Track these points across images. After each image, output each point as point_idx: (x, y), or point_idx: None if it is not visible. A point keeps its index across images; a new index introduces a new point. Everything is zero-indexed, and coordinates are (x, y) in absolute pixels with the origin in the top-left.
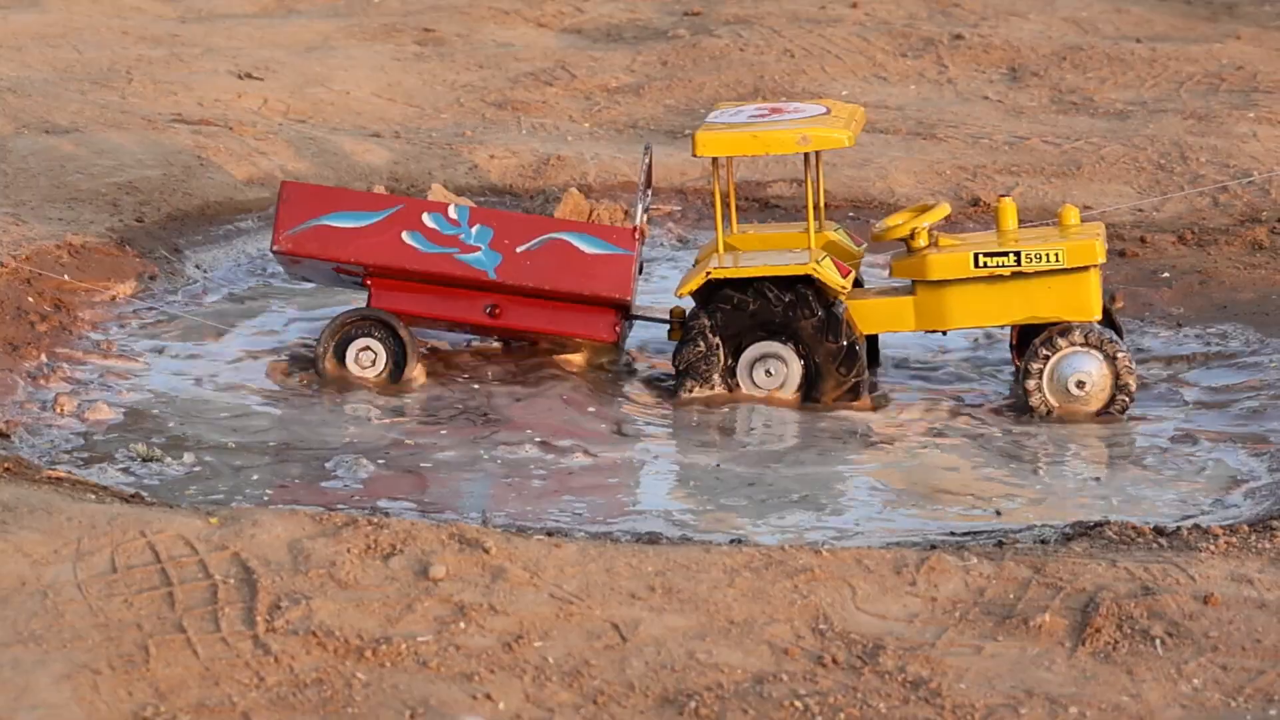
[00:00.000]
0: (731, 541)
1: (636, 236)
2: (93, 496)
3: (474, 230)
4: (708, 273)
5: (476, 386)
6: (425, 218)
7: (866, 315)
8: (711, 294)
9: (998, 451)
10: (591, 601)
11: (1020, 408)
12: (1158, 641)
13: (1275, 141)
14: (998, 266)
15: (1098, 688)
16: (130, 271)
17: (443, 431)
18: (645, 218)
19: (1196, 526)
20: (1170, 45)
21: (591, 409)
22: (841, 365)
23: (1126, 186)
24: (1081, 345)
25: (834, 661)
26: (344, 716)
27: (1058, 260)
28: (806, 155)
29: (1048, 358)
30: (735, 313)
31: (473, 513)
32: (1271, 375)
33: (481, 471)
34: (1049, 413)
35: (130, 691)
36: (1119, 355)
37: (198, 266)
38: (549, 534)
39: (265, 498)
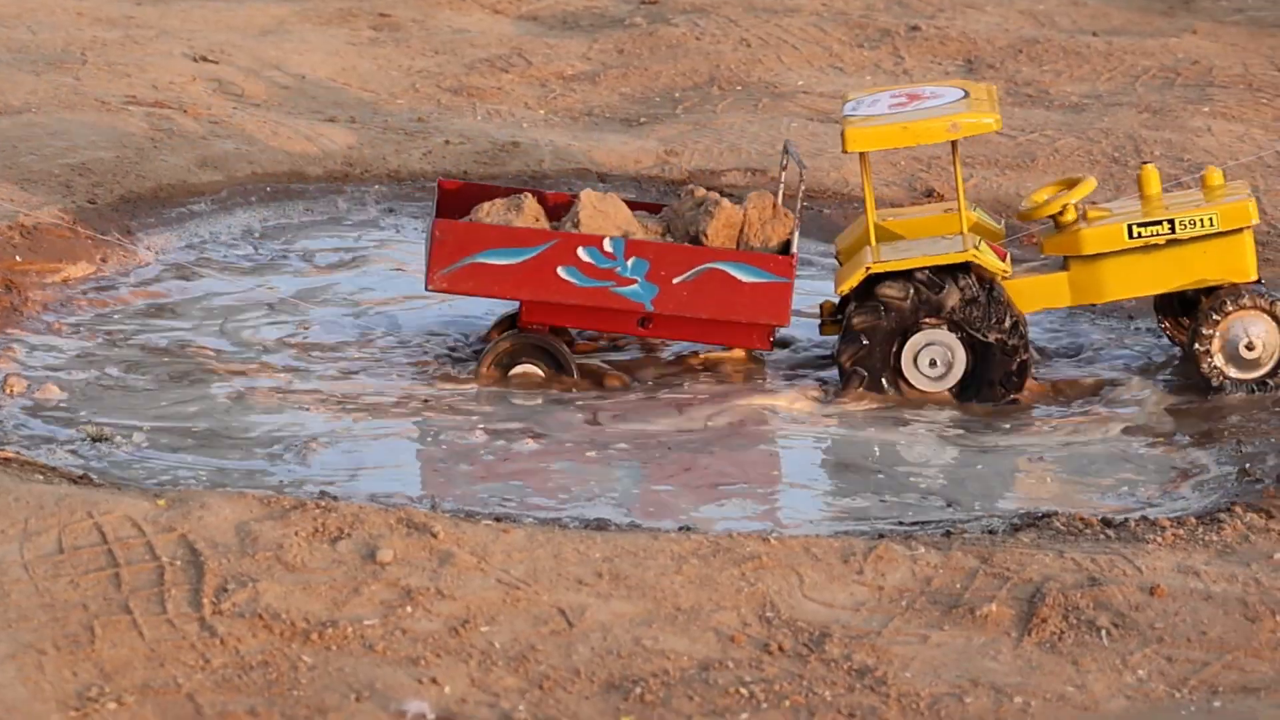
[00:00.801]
0: (680, 529)
1: (794, 262)
2: (40, 477)
3: (630, 263)
4: (867, 267)
5: (428, 372)
6: (580, 252)
7: (1023, 294)
8: (870, 288)
9: (949, 441)
10: (539, 587)
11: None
12: (1103, 632)
13: (1229, 136)
14: (1152, 236)
15: (1043, 678)
16: (82, 253)
17: (392, 416)
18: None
19: (1144, 518)
20: (1126, 39)
21: (542, 395)
22: (1010, 346)
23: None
24: (1251, 308)
25: (780, 649)
26: (289, 699)
27: (1212, 225)
28: (954, 142)
29: (1218, 322)
30: (897, 306)
31: (421, 497)
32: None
33: (431, 456)
34: (1222, 381)
35: (75, 672)
36: None
37: (149, 249)
38: (497, 519)
39: (213, 480)
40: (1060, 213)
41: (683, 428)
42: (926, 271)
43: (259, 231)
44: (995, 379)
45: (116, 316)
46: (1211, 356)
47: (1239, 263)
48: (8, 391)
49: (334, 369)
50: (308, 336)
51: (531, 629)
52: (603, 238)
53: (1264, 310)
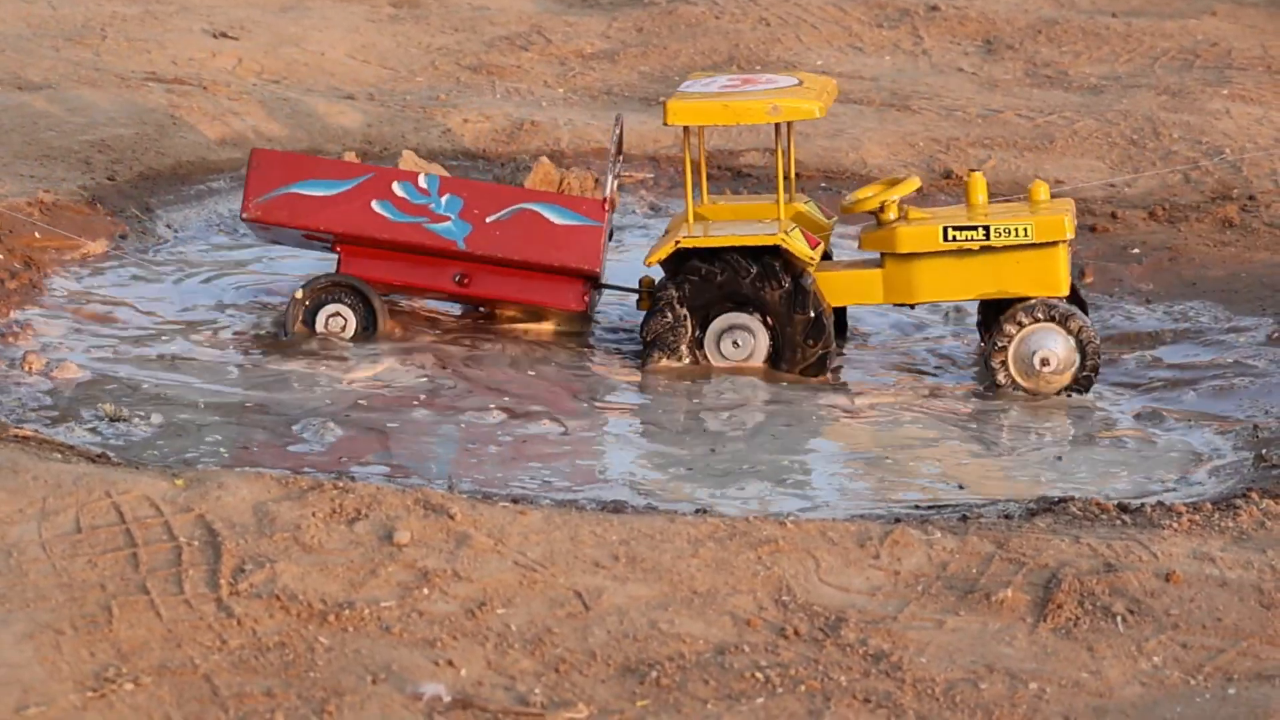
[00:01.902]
0: (696, 511)
1: (606, 208)
2: (59, 456)
3: (444, 200)
4: (677, 242)
5: (445, 353)
6: (395, 186)
7: (835, 287)
8: (680, 264)
9: (964, 426)
10: (555, 569)
11: (987, 383)
12: (1119, 618)
13: (1247, 119)
14: (966, 240)
15: (1058, 664)
16: (101, 230)
17: (410, 397)
18: (616, 187)
19: (1160, 504)
20: (1145, 20)
21: (559, 377)
22: (809, 337)
23: (1099, 161)
24: (1047, 321)
25: (796, 633)
26: (305, 680)
27: (1026, 235)
28: (777, 126)
29: (1013, 334)
30: (703, 283)
31: (439, 479)
32: (1239, 353)
33: (448, 437)
34: (1015, 389)
35: (92, 652)
36: (1084, 332)
37: (169, 226)
38: (514, 501)
39: (232, 460)
40: (881, 209)
41: (699, 410)
42: (736, 254)
43: None
44: (794, 366)
45: (135, 295)
46: (1007, 369)
47: (1051, 276)
48: (26, 369)
49: (352, 348)
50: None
51: (548, 611)
52: (418, 173)
53: (1060, 324)
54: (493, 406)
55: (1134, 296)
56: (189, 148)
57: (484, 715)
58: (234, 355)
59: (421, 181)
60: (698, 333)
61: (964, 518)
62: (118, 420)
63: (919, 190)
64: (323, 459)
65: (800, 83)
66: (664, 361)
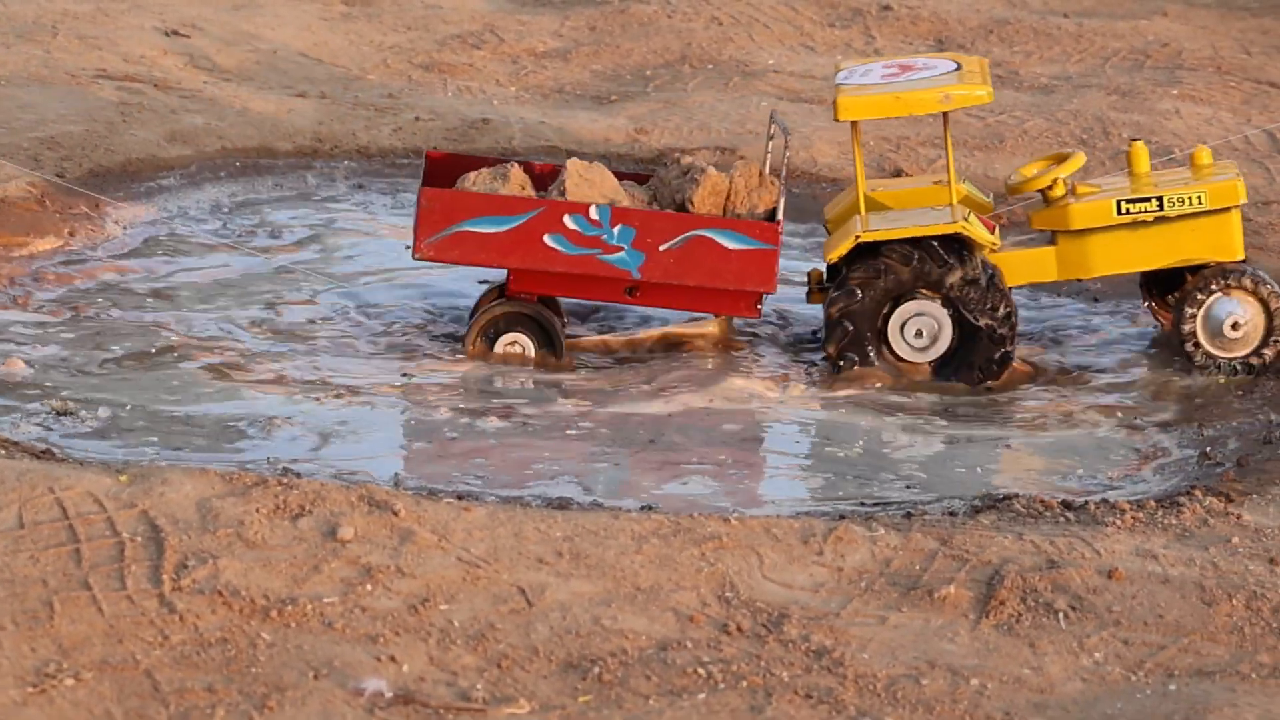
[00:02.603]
0: (640, 508)
1: (780, 229)
2: (2, 451)
3: (616, 230)
4: (856, 236)
5: (392, 349)
6: (566, 220)
7: (1010, 267)
8: (856, 257)
9: (911, 421)
10: (499, 565)
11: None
12: (1061, 615)
13: (1197, 119)
14: (1140, 212)
15: (1000, 660)
16: (50, 227)
17: (357, 392)
18: (783, 201)
19: (1104, 501)
20: (1097, 20)
21: (508, 373)
22: (996, 336)
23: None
24: (1236, 288)
25: (738, 630)
26: (247, 676)
27: (1200, 203)
28: (945, 113)
29: (1202, 302)
30: (885, 276)
31: (384, 475)
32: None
33: (394, 434)
34: (1205, 359)
35: (34, 648)
36: (1273, 297)
37: (118, 223)
38: (459, 497)
39: (177, 456)
40: (1049, 187)
41: (648, 407)
42: (934, 243)
43: (228, 207)
44: (976, 363)
45: (83, 291)
46: (1196, 335)
47: (1226, 241)
48: None
49: (301, 346)
50: (276, 313)
51: (491, 608)
52: (589, 205)
53: (1249, 291)
54: (442, 403)
55: (1081, 295)
56: (139, 145)
57: (426, 711)
58: (181, 352)
59: (593, 214)
60: (882, 326)
61: (908, 514)
62: (64, 415)
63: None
64: (267, 455)
65: (959, 67)
66: (853, 365)
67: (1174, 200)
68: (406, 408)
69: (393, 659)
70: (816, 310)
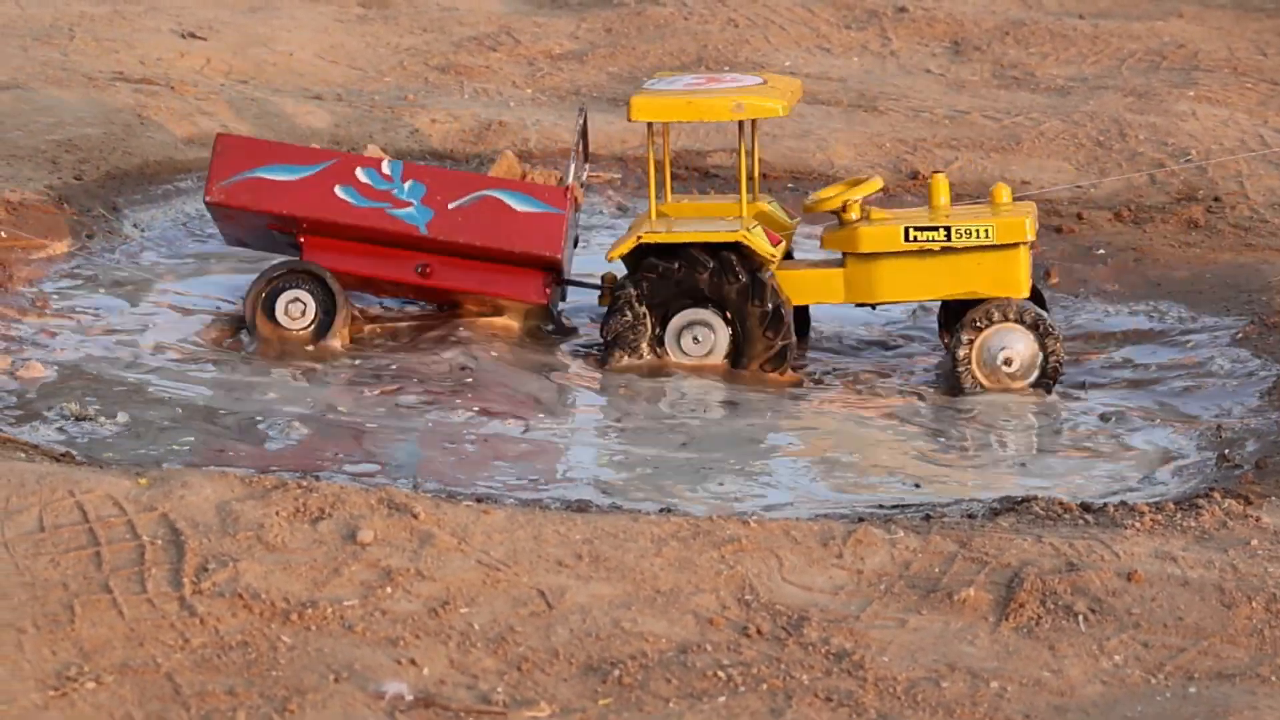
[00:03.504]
0: (660, 511)
1: (568, 196)
2: (23, 455)
3: (407, 185)
4: (639, 237)
5: (410, 352)
6: (358, 172)
7: (796, 286)
8: (642, 260)
9: (928, 426)
10: (518, 568)
11: (950, 383)
12: (1080, 618)
13: (1213, 121)
14: (928, 241)
15: (1020, 662)
16: (68, 229)
17: (375, 395)
18: (581, 181)
19: (1123, 503)
20: (1113, 22)
21: (525, 375)
22: (768, 329)
23: (1065, 163)
24: (1011, 321)
25: (758, 632)
26: (268, 679)
27: (987, 236)
28: (741, 124)
29: (976, 334)
30: (663, 280)
31: (403, 478)
32: (1203, 354)
33: (413, 437)
34: (978, 389)
35: (54, 651)
36: (1048, 332)
37: (135, 225)
38: (478, 500)
39: (196, 459)
40: (844, 209)
41: (662, 409)
42: (696, 250)
43: None
44: (754, 360)
45: (101, 294)
46: (970, 368)
47: (1012, 277)
48: None
49: (317, 348)
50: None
51: (511, 610)
52: (382, 159)
53: (1023, 324)
54: (458, 405)
55: (1099, 297)
56: (156, 147)
57: (446, 714)
58: (200, 354)
59: (385, 168)
60: (658, 330)
61: (927, 517)
62: (83, 419)
63: (884, 190)
64: (287, 458)
65: (765, 82)
66: (625, 360)
67: (961, 231)
68: (423, 410)
69: (413, 662)
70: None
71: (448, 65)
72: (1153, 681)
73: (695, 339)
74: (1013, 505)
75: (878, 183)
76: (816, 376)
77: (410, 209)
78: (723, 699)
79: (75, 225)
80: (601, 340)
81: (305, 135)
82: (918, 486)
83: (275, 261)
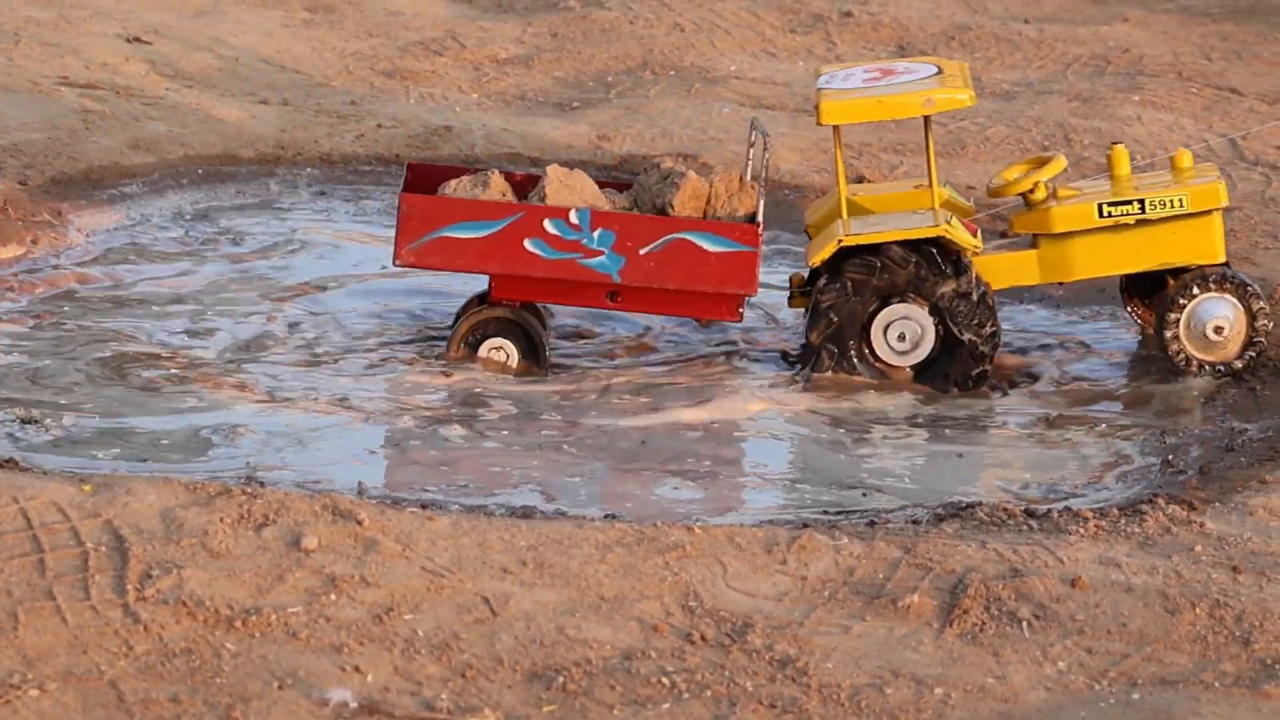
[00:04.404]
0: (604, 517)
1: (760, 232)
2: None
3: (596, 235)
4: (839, 239)
5: (358, 358)
6: (547, 224)
7: (993, 271)
8: (839, 262)
9: (874, 429)
10: (463, 575)
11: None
12: (1024, 624)
13: (1159, 125)
14: (1122, 215)
15: (964, 669)
16: (12, 235)
17: (321, 403)
18: (762, 204)
19: (1067, 509)
20: (1058, 26)
21: (474, 382)
22: (977, 318)
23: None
24: (1217, 290)
25: (702, 639)
26: (212, 686)
27: (1182, 205)
28: (927, 118)
29: (1184, 305)
30: (865, 281)
31: (348, 484)
32: (1148, 359)
33: (359, 443)
34: (1188, 362)
35: None
36: (1254, 299)
37: (80, 230)
38: (423, 506)
39: (140, 465)
40: (1031, 190)
41: (608, 415)
42: (932, 250)
43: (190, 214)
44: (953, 376)
45: (46, 299)
46: (1179, 339)
47: (1208, 245)
48: None
49: (265, 353)
50: (240, 321)
51: (455, 617)
52: (569, 209)
53: (1231, 293)
54: (406, 411)
55: (1044, 301)
56: (101, 152)
57: None
58: (145, 360)
59: (573, 218)
60: (864, 331)
61: (871, 523)
62: (29, 424)
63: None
64: (232, 465)
65: (940, 71)
66: (833, 366)
67: (1155, 203)
68: (371, 416)
69: (357, 669)
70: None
71: (393, 70)
72: (1096, 688)
73: (902, 336)
74: (957, 511)
75: (1062, 162)
76: (762, 378)
77: (602, 258)
78: (667, 705)
79: (20, 231)
80: (808, 345)
81: (251, 140)
82: (865, 495)
83: (478, 307)
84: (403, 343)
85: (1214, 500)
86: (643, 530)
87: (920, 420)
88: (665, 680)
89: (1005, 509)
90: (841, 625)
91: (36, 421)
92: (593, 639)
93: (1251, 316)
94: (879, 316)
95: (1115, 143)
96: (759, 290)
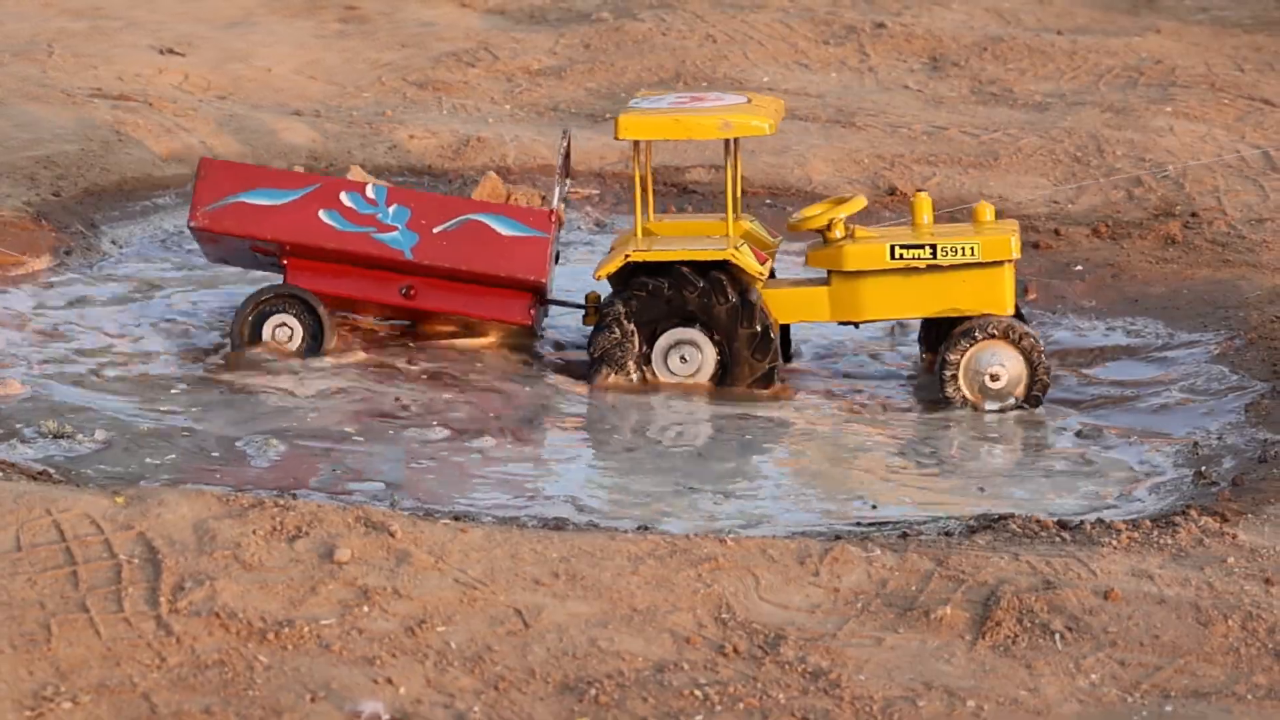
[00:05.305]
0: (637, 529)
1: (553, 220)
2: (0, 474)
3: (391, 210)
4: (626, 255)
5: (388, 369)
6: (343, 196)
7: (781, 304)
8: (628, 280)
9: (906, 442)
10: (495, 587)
11: (931, 400)
12: (1057, 636)
13: (1190, 136)
14: (913, 259)
15: (996, 681)
16: (46, 246)
17: (354, 413)
18: (562, 202)
19: (1100, 521)
20: (1090, 38)
21: (504, 394)
22: (756, 351)
23: (1043, 178)
24: (998, 338)
25: (735, 651)
26: (244, 699)
27: (973, 254)
28: (726, 142)
29: (965, 350)
30: (651, 299)
31: (381, 496)
32: (1180, 370)
33: (391, 454)
34: (964, 405)
35: (31, 671)
36: (1034, 349)
37: (113, 242)
38: (455, 518)
39: (174, 477)
40: (828, 227)
41: (641, 427)
42: (686, 268)
43: None
44: (741, 381)
45: (79, 311)
46: (957, 384)
47: (996, 295)
48: None
49: (298, 364)
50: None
51: (488, 629)
52: (366, 184)
53: (1010, 341)
54: (436, 423)
55: (1077, 313)
56: (134, 164)
57: None
58: (178, 372)
59: (369, 192)
60: (645, 349)
61: (904, 535)
62: (61, 437)
63: (864, 208)
64: (265, 476)
65: (749, 100)
66: (612, 378)
67: (947, 249)
68: (401, 428)
69: (390, 681)
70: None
71: (426, 81)
72: (1129, 700)
73: (682, 358)
74: (990, 523)
75: (861, 201)
76: (795, 393)
77: (395, 233)
78: (700, 718)
79: (53, 242)
80: (588, 357)
81: (284, 151)
82: (874, 508)
83: (262, 285)
84: (433, 352)
85: (1246, 512)
86: (675, 542)
87: (952, 430)
88: (698, 692)
89: (1038, 521)
90: (874, 637)
91: (68, 435)
92: (625, 651)
93: (1031, 365)
94: (661, 338)
95: (919, 190)
96: (548, 281)
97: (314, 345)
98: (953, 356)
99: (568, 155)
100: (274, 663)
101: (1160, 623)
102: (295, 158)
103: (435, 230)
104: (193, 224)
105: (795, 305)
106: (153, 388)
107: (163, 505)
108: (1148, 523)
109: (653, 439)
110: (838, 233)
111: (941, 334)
